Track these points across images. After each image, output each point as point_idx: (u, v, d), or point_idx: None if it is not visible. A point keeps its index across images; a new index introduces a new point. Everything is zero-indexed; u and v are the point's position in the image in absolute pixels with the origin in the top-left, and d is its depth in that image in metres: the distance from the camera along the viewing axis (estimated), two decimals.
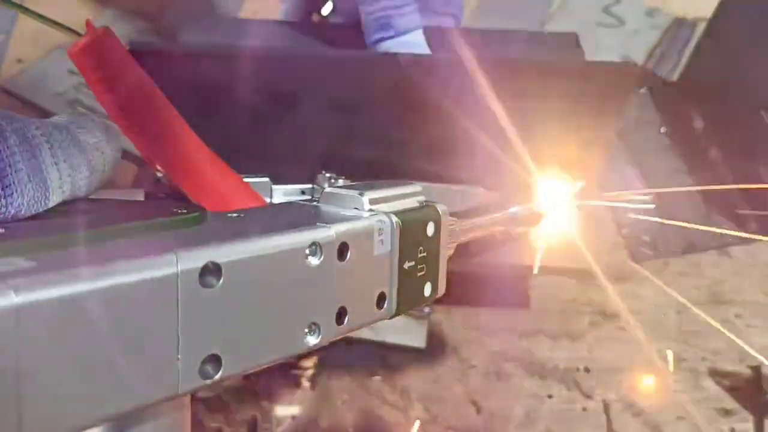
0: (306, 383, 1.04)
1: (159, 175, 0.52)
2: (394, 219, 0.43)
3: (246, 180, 0.55)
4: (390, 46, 1.01)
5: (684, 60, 1.35)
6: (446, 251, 0.50)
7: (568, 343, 1.14)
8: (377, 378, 1.06)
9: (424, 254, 0.47)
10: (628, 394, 1.08)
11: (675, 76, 1.36)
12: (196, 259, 0.31)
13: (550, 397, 1.07)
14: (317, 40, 1.09)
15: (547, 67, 0.97)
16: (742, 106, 1.23)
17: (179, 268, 0.30)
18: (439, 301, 1.14)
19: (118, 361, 0.29)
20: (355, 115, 0.93)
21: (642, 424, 1.04)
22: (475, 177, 0.84)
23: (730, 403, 1.07)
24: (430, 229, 0.47)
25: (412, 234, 0.45)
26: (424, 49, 1.02)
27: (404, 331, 1.09)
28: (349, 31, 1.07)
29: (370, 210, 0.43)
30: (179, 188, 0.51)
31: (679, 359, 1.13)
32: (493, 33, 1.16)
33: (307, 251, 0.37)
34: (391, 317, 0.46)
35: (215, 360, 0.33)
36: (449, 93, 0.90)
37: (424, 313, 1.10)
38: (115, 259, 0.29)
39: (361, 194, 0.44)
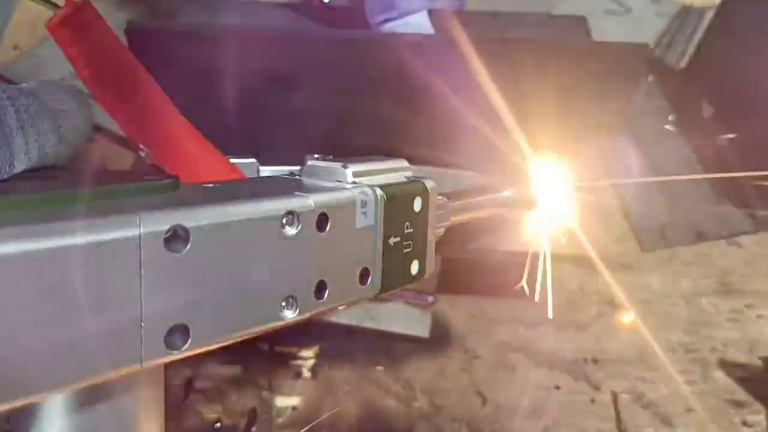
0: (307, 373, 1.03)
1: (142, 154, 0.51)
2: (379, 192, 0.42)
3: (232, 161, 0.54)
4: (394, 27, 1.00)
5: (692, 48, 1.33)
6: (435, 229, 0.48)
7: (575, 333, 1.12)
8: (380, 368, 1.05)
9: (411, 230, 0.45)
10: (636, 385, 1.06)
11: (683, 64, 1.34)
12: (160, 221, 0.29)
13: (557, 388, 1.05)
14: (319, 21, 1.08)
15: (556, 48, 0.95)
16: (751, 94, 1.21)
17: (142, 230, 0.29)
18: (442, 290, 1.14)
19: (74, 327, 0.27)
20: (355, 98, 0.92)
21: (651, 415, 1.03)
22: (476, 161, 0.83)
23: (742, 394, 1.05)
24: (417, 205, 0.45)
25: (398, 208, 0.44)
26: (428, 30, 1.01)
27: (408, 321, 1.07)
28: (353, 13, 1.05)
29: (354, 182, 0.42)
30: (162, 166, 0.50)
31: (688, 350, 1.11)
32: (500, 15, 1.14)
33: (284, 220, 0.36)
34: (377, 295, 0.44)
35: (183, 330, 0.31)
36: (452, 74, 0.88)
37: (428, 302, 1.09)
38: (72, 219, 0.27)
39: (344, 166, 0.42)
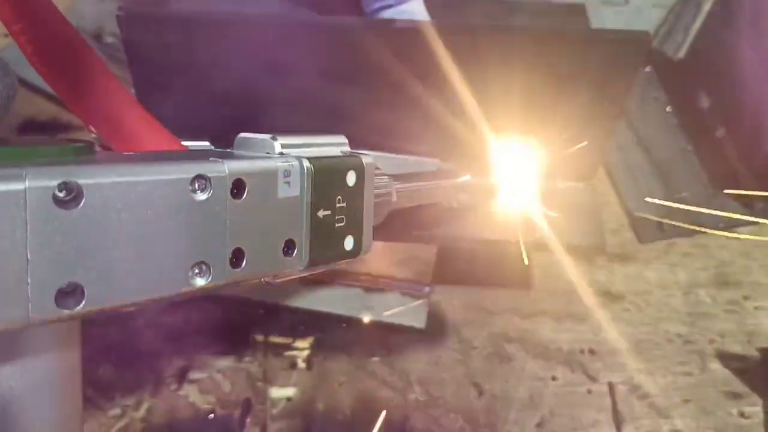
0: (302, 364, 1.03)
1: (93, 135, 0.51)
2: (306, 163, 0.42)
3: (184, 143, 0.54)
4: (390, 15, 1.00)
5: (690, 38, 1.31)
6: (373, 206, 0.48)
7: (572, 324, 1.11)
8: (376, 359, 1.05)
9: (343, 204, 0.45)
10: (633, 376, 1.05)
11: (681, 54, 1.32)
12: (48, 176, 0.30)
13: (554, 379, 1.05)
14: (313, 9, 1.07)
15: (552, 36, 0.94)
16: (749, 85, 1.20)
17: (27, 183, 0.29)
18: (439, 280, 1.13)
19: None
20: (350, 86, 0.92)
21: (648, 407, 1.02)
22: (452, 151, 0.83)
23: (739, 386, 1.04)
24: (351, 179, 0.45)
25: (328, 181, 0.44)
26: (424, 18, 1.01)
27: (403, 311, 1.07)
28: (348, 1, 1.05)
29: (281, 154, 0.42)
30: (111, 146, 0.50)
31: (686, 341, 1.10)
32: (497, 2, 1.14)
33: (197, 185, 0.36)
34: (305, 268, 0.44)
35: (77, 290, 0.32)
36: (443, 62, 0.88)
37: (424, 292, 1.09)
38: None
39: (273, 138, 0.43)
